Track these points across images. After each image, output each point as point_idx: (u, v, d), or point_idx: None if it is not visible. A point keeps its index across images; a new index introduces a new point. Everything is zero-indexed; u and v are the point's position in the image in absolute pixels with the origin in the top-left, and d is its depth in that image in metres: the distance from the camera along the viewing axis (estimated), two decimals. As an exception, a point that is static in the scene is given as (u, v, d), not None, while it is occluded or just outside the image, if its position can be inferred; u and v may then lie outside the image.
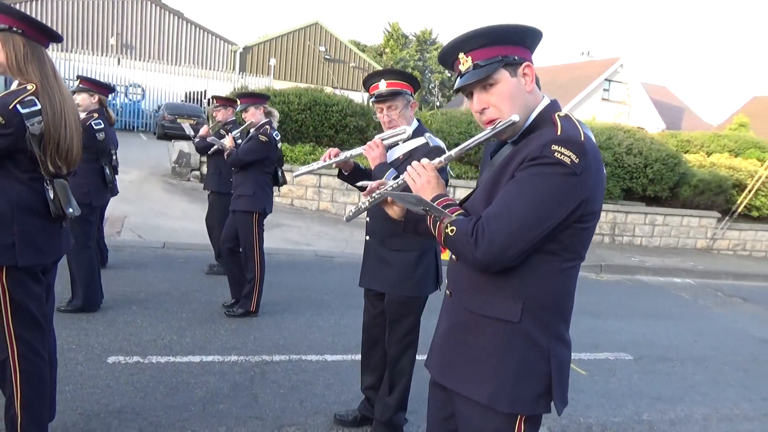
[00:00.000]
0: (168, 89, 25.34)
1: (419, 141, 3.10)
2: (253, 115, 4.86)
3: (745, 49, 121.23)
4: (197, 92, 25.46)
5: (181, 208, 9.14)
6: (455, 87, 1.74)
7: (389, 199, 2.00)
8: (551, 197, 1.55)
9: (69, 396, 3.26)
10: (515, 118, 1.65)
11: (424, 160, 1.88)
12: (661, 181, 11.63)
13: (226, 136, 5.19)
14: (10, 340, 2.44)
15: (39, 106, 2.34)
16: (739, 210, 12.25)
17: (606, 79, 30.29)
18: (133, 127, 23.60)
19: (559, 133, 1.58)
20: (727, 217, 12.10)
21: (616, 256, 10.11)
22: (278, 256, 7.21)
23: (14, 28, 2.36)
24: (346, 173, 3.34)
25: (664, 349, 5.50)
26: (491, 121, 1.70)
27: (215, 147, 5.48)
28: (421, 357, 2.53)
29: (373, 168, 2.99)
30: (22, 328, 2.46)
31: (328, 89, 15.14)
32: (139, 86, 24.10)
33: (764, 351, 5.89)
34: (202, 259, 6.59)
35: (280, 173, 5.19)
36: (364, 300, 3.36)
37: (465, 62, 1.68)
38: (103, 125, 4.44)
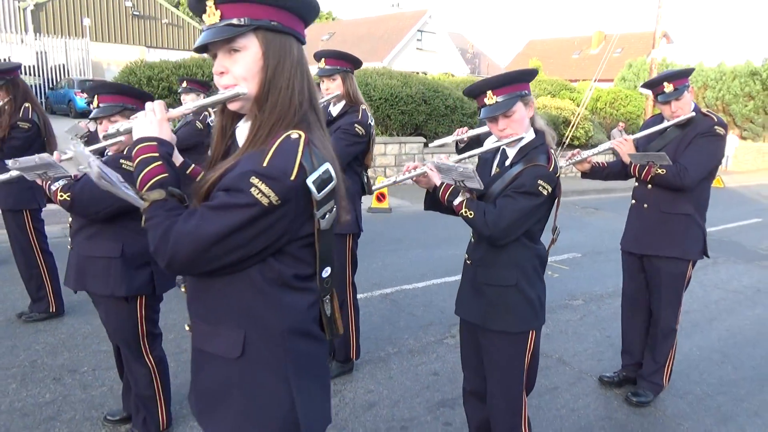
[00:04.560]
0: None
1: None
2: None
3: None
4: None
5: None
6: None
7: (588, 158, 3.57)
8: (717, 153, 3.37)
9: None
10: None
11: (626, 135, 3.66)
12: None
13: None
14: (349, 285, 3.60)
15: (371, 119, 3.40)
16: (567, 141, 15.95)
17: (419, 30, 33.35)
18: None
19: (715, 120, 3.36)
20: (558, 148, 15.67)
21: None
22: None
23: (347, 69, 3.29)
24: (461, 146, 3.89)
25: (592, 247, 7.92)
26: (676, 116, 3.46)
27: None
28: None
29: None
30: (353, 275, 3.62)
31: (143, 49, 14.93)
32: None
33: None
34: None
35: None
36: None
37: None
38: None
